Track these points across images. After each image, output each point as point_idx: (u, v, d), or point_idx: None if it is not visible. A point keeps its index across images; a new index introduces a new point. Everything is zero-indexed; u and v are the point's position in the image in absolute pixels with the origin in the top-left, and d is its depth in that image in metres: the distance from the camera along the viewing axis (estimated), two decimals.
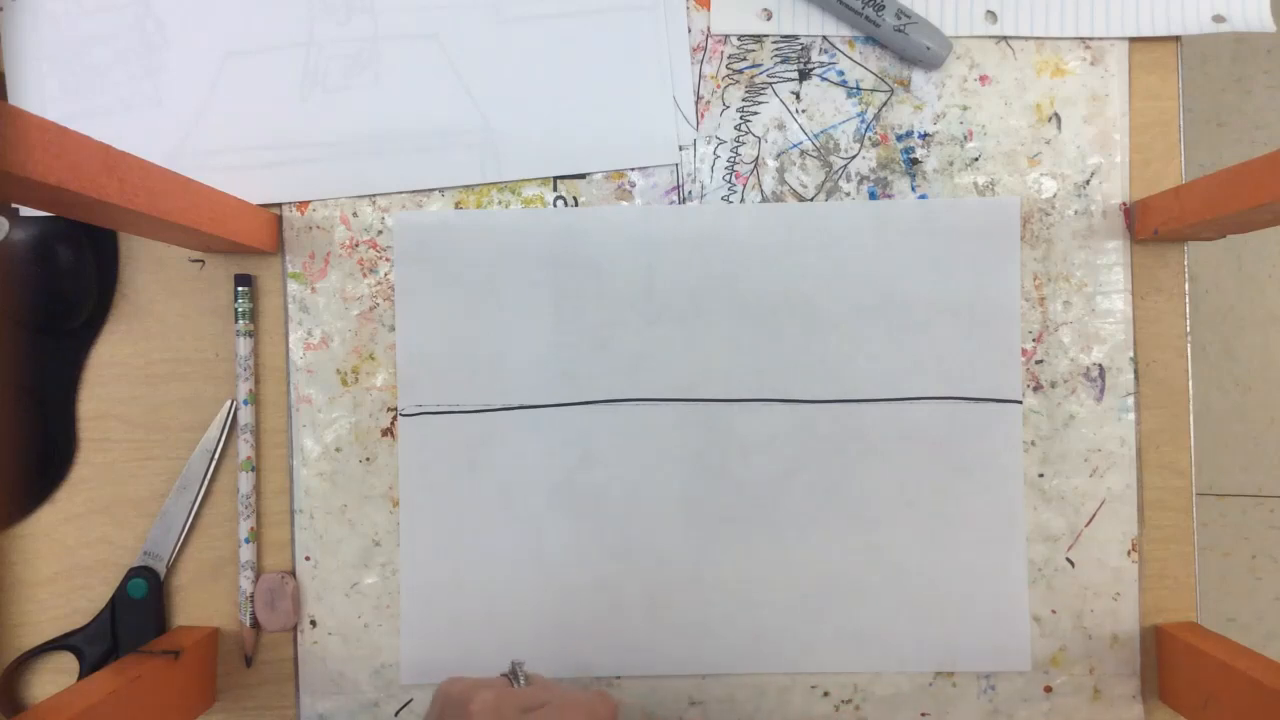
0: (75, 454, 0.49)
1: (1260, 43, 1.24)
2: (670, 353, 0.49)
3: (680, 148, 0.50)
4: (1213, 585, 1.24)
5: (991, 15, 0.50)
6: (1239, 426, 1.23)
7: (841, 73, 0.50)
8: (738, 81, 0.50)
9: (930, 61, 0.49)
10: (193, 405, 0.49)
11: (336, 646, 0.49)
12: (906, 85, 0.50)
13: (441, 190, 0.50)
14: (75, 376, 0.49)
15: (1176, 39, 0.50)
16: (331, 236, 0.50)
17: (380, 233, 0.50)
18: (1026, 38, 0.50)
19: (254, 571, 0.49)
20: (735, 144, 0.50)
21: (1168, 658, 0.48)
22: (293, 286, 0.50)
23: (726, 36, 0.50)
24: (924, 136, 0.50)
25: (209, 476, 0.49)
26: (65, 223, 0.48)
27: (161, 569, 0.49)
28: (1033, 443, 0.49)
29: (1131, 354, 0.49)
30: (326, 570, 0.49)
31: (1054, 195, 0.49)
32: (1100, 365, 0.49)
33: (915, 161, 0.50)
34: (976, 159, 0.50)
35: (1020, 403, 0.49)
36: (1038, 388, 0.49)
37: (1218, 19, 0.49)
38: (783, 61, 0.50)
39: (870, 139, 0.50)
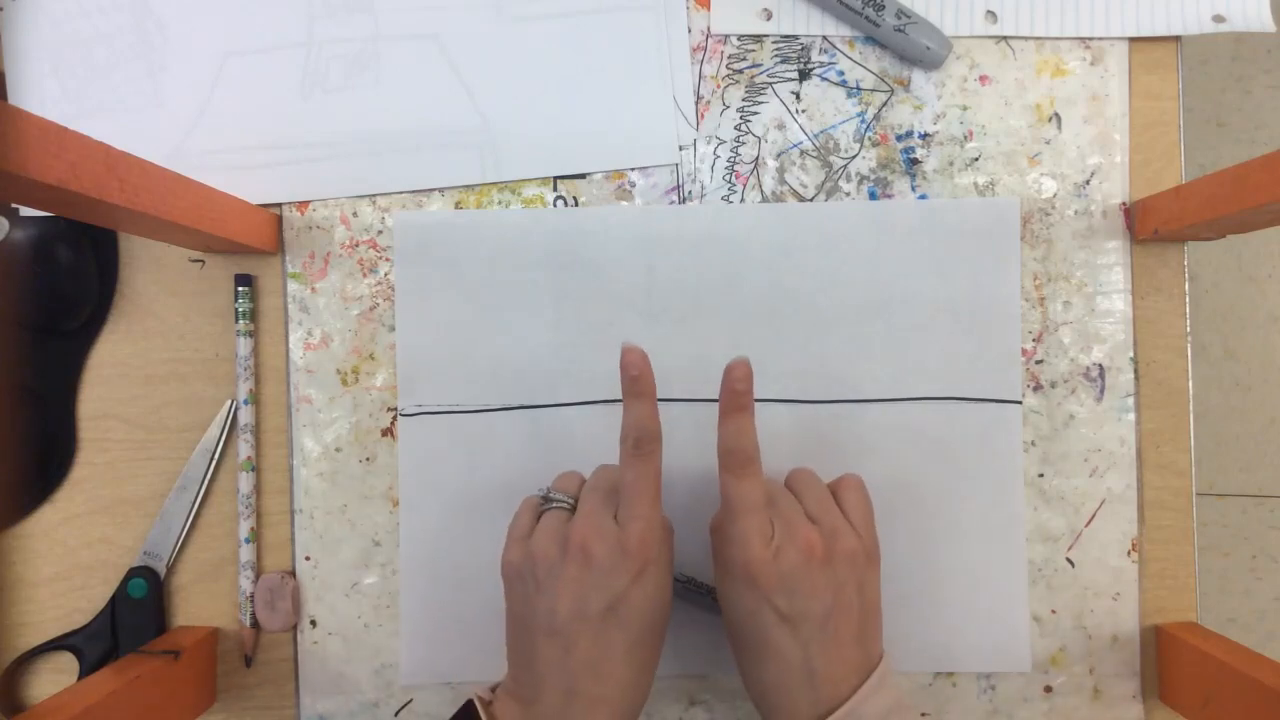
0: (75, 454, 0.49)
1: (1260, 43, 1.24)
2: (670, 353, 0.49)
3: (680, 148, 0.50)
4: (1213, 585, 1.24)
5: (991, 15, 0.50)
6: (1239, 426, 1.23)
7: (841, 73, 0.50)
8: (738, 81, 0.50)
9: (930, 61, 0.49)
10: (193, 405, 0.49)
11: (336, 646, 0.49)
12: (906, 85, 0.50)
13: (441, 190, 0.50)
14: (75, 376, 0.49)
15: (1176, 39, 0.50)
16: (331, 236, 0.50)
17: (380, 233, 0.50)
18: (1026, 38, 0.50)
19: (254, 571, 0.49)
20: (735, 144, 0.50)
21: (1168, 658, 0.48)
22: (293, 286, 0.50)
23: (726, 36, 0.50)
24: (924, 136, 0.50)
25: (209, 476, 0.49)
26: (65, 223, 0.48)
27: (161, 569, 0.49)
28: (1033, 443, 0.49)
29: (1131, 354, 0.49)
30: (326, 570, 0.49)
31: (1054, 195, 0.49)
32: (1100, 365, 0.49)
33: (915, 161, 0.50)
34: (976, 159, 0.50)
35: (1020, 403, 0.49)
36: (1038, 388, 0.49)
37: (1218, 19, 0.49)
38: (783, 61, 0.50)
39: (870, 139, 0.50)
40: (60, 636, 0.49)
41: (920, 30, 0.48)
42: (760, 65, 0.50)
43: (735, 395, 0.39)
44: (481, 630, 0.49)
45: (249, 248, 0.47)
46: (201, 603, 0.49)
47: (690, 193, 0.50)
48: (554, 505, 0.41)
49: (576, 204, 0.50)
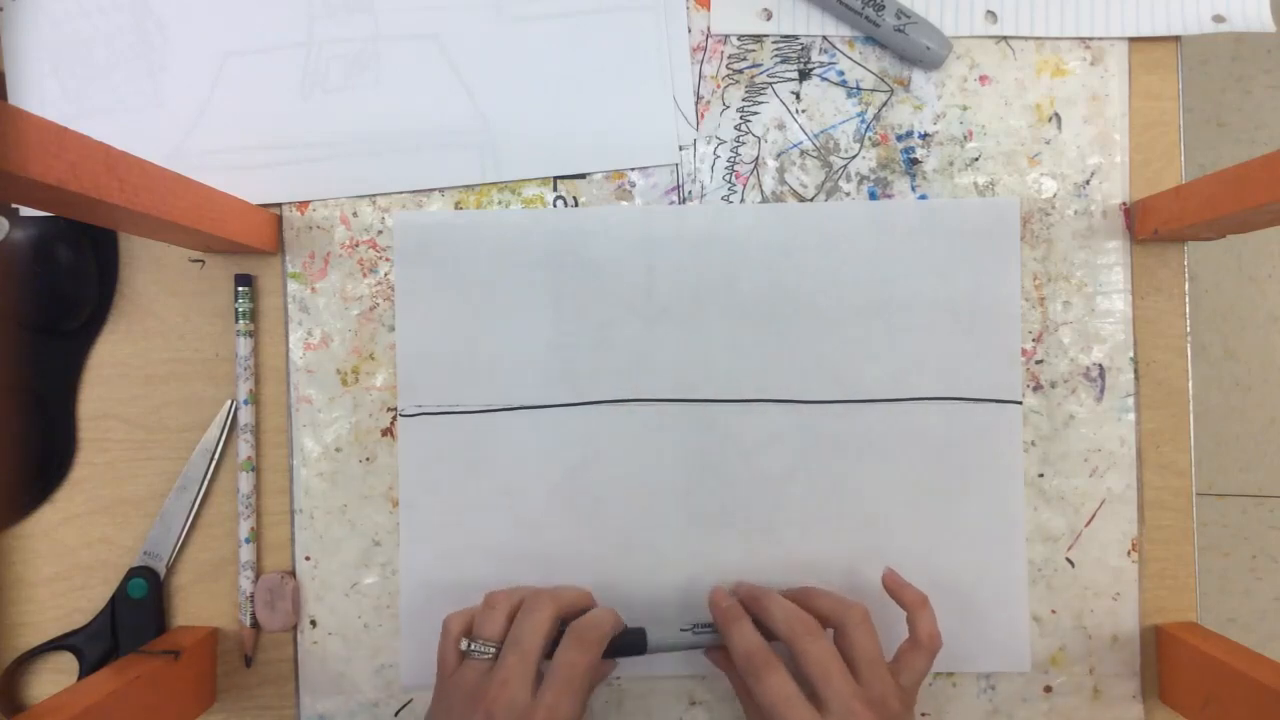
0: (75, 454, 0.49)
1: (1260, 43, 1.24)
2: (670, 353, 0.49)
3: (680, 148, 0.50)
4: (1213, 585, 1.24)
5: (991, 15, 0.50)
6: (1239, 426, 1.23)
7: (841, 73, 0.50)
8: (738, 81, 0.50)
9: (930, 61, 0.49)
10: (193, 405, 0.49)
11: (336, 646, 0.49)
12: (906, 85, 0.50)
13: (441, 190, 0.50)
14: (75, 376, 0.49)
15: (1176, 39, 0.50)
16: (331, 236, 0.50)
17: (380, 233, 0.50)
18: (1026, 38, 0.50)
19: (254, 571, 0.49)
20: (735, 144, 0.50)
21: (1168, 658, 0.48)
22: (293, 286, 0.50)
23: (726, 36, 0.50)
24: (924, 136, 0.50)
25: (209, 476, 0.49)
26: (65, 223, 0.48)
27: (161, 569, 0.49)
28: (1033, 443, 0.49)
29: (1131, 354, 0.49)
30: (326, 570, 0.49)
31: (1054, 195, 0.49)
32: (1100, 365, 0.49)
33: (915, 161, 0.50)
34: (976, 159, 0.50)
35: (1020, 403, 0.49)
36: (1038, 388, 0.49)
37: (1218, 19, 0.49)
38: (783, 61, 0.50)
39: (870, 139, 0.50)
40: (60, 636, 0.49)
41: (920, 30, 0.48)
42: (760, 65, 0.50)
43: (724, 612, 0.44)
44: None
45: (249, 248, 0.47)
46: (201, 603, 0.49)
47: (690, 193, 0.50)
48: (475, 655, 0.42)
49: (576, 204, 0.50)
